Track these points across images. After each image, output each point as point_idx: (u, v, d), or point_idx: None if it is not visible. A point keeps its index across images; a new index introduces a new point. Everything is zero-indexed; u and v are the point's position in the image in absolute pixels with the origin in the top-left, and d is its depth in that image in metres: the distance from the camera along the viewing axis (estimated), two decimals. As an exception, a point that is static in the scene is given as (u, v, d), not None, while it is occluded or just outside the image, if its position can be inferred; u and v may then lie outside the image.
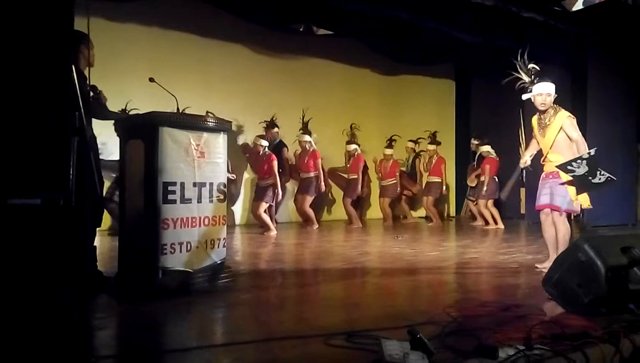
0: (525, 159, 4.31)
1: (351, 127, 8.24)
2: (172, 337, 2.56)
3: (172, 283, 3.18)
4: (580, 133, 4.01)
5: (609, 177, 3.78)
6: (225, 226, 3.55)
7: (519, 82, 4.26)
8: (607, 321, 2.61)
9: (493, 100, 9.80)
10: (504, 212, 8.63)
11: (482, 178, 7.97)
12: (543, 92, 4.07)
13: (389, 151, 8.56)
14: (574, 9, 6.67)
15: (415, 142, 9.01)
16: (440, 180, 8.52)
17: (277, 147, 7.58)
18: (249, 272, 4.16)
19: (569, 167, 3.82)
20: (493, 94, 9.84)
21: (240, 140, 8.02)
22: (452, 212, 10.39)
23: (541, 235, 6.74)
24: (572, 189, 3.96)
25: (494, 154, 8.08)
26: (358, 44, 8.78)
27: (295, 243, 6.26)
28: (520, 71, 4.23)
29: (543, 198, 4.13)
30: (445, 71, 10.35)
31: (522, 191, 9.27)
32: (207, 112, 5.18)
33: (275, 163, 6.81)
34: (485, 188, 7.86)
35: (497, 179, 7.99)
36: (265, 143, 7.13)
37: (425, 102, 10.01)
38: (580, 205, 4.04)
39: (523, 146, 9.66)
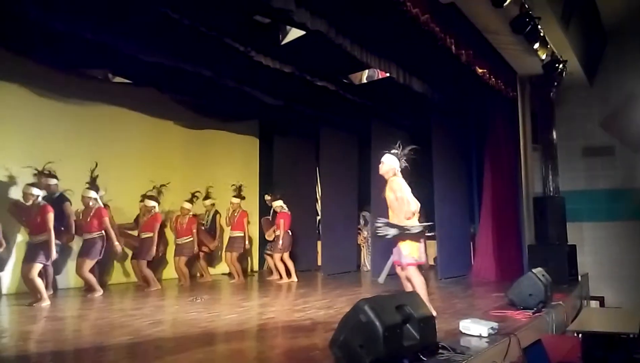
0: None
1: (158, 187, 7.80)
2: None
3: None
4: (402, 192, 4.56)
5: (426, 226, 4.63)
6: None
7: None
8: (385, 380, 2.78)
9: (293, 157, 10.38)
10: (300, 264, 8.97)
11: (278, 232, 8.19)
12: (381, 160, 4.78)
13: (187, 206, 8.10)
14: (358, 82, 7.54)
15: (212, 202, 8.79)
16: (242, 234, 8.40)
17: (57, 201, 6.70)
18: (11, 360, 3.45)
19: (377, 232, 4.50)
20: (293, 151, 10.46)
21: (15, 194, 6.84)
22: (256, 267, 10.42)
23: (334, 288, 7.29)
24: (403, 246, 4.48)
25: (286, 208, 8.41)
26: (160, 95, 8.47)
27: (74, 316, 5.45)
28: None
29: (394, 255, 4.64)
30: (249, 128, 10.60)
31: (319, 243, 9.85)
32: None
33: (50, 216, 5.92)
34: (280, 242, 8.09)
35: (290, 233, 8.33)
36: (37, 191, 6.17)
37: (230, 158, 10.05)
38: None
39: (319, 200, 10.37)
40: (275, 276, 8.41)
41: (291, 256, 8.40)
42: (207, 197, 8.69)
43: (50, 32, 5.42)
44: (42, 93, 7.22)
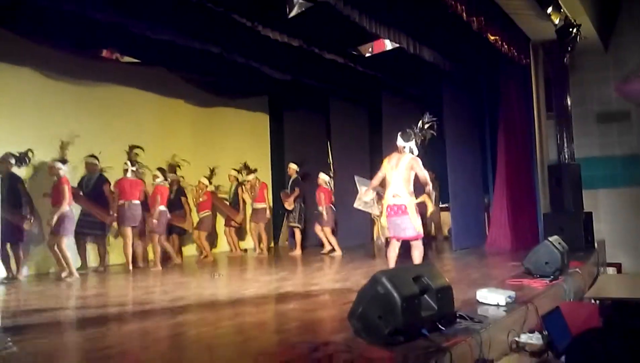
0: None
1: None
2: None
3: None
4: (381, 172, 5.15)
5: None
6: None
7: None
8: (404, 349, 2.82)
9: (303, 131, 10.34)
10: (315, 238, 8.99)
11: (320, 208, 8.29)
12: None
13: (204, 181, 8.47)
14: (368, 54, 7.43)
15: (239, 171, 8.98)
16: (265, 206, 8.65)
17: (98, 182, 7.07)
18: (39, 343, 3.52)
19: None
20: (303, 126, 10.41)
21: (28, 175, 6.90)
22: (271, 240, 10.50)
23: (349, 261, 7.34)
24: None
25: (330, 185, 8.55)
26: (169, 74, 8.46)
27: (93, 294, 5.51)
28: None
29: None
30: (259, 104, 10.58)
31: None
32: None
33: (65, 187, 6.10)
34: (325, 215, 8.21)
35: (333, 208, 8.40)
36: (60, 164, 6.36)
37: (241, 134, 10.07)
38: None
39: (332, 173, 10.38)
40: (327, 248, 8.45)
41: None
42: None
43: (58, 13, 5.40)
44: (52, 75, 7.26)
